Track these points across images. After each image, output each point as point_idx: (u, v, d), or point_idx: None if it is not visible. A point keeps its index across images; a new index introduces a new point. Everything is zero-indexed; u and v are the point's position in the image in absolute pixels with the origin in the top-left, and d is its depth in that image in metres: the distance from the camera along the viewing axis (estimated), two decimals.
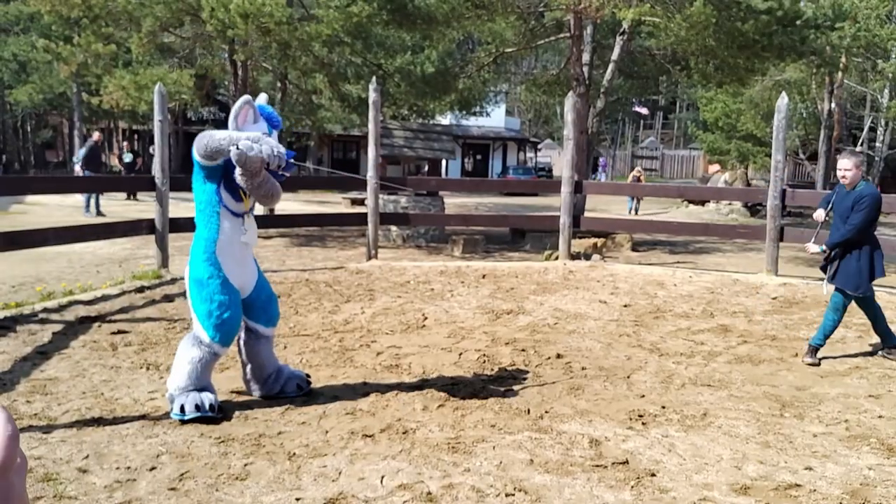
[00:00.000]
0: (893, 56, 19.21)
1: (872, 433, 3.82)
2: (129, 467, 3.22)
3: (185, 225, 9.17)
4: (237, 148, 3.64)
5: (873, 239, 5.20)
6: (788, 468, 3.35)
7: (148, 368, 4.71)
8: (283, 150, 3.76)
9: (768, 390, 4.54)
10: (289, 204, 18.75)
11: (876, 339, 5.52)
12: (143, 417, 3.84)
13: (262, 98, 4.16)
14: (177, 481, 3.09)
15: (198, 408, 3.72)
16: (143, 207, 18.67)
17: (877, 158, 22.49)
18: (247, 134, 3.74)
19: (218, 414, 3.81)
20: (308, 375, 4.39)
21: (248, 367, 4.17)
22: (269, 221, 12.35)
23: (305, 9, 12.32)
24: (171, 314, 6.30)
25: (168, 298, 6.93)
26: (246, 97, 3.92)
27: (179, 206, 10.92)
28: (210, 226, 3.86)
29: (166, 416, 3.82)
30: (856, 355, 5.40)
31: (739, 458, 3.45)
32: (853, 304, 5.32)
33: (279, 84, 17.04)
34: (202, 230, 3.89)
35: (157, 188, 8.06)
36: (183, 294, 6.98)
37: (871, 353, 5.43)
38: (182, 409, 3.72)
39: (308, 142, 26.23)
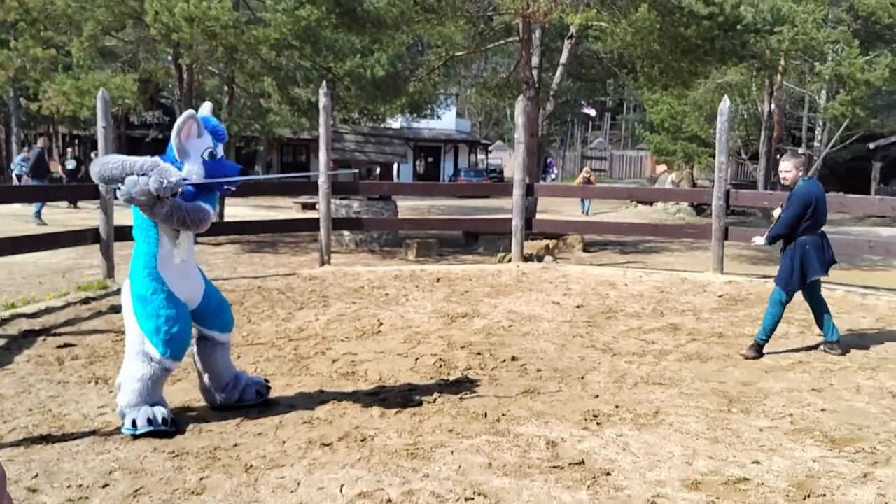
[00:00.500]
0: (830, 58, 19.91)
1: (816, 426, 3.96)
2: (80, 485, 3.15)
3: (132, 234, 8.98)
4: (120, 187, 3.57)
5: (814, 238, 5.40)
6: (737, 462, 3.46)
7: (97, 382, 4.60)
8: (174, 178, 3.62)
9: (716, 387, 4.67)
10: (238, 209, 18.49)
11: (817, 336, 5.73)
12: (93, 433, 3.75)
13: (206, 109, 4.06)
14: (131, 498, 3.03)
15: (150, 422, 3.65)
16: (86, 215, 18.16)
17: (815, 157, 23.27)
18: (140, 160, 3.64)
19: (171, 427, 3.74)
20: (267, 381, 4.34)
21: (206, 377, 4.10)
22: (218, 228, 12.15)
23: (252, 12, 12.17)
24: (119, 326, 6.13)
25: (115, 310, 6.75)
26: (189, 111, 3.82)
27: (124, 214, 10.69)
28: (149, 240, 3.78)
29: (118, 431, 3.74)
30: (798, 350, 5.59)
31: (690, 455, 3.55)
32: (800, 298, 5.53)
33: (226, 88, 16.78)
34: (141, 245, 3.81)
35: (102, 196, 7.87)
36: None
37: (813, 348, 5.63)
38: (134, 423, 3.65)
39: (257, 146, 25.90)
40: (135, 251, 3.85)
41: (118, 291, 7.49)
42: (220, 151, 3.91)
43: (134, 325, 3.78)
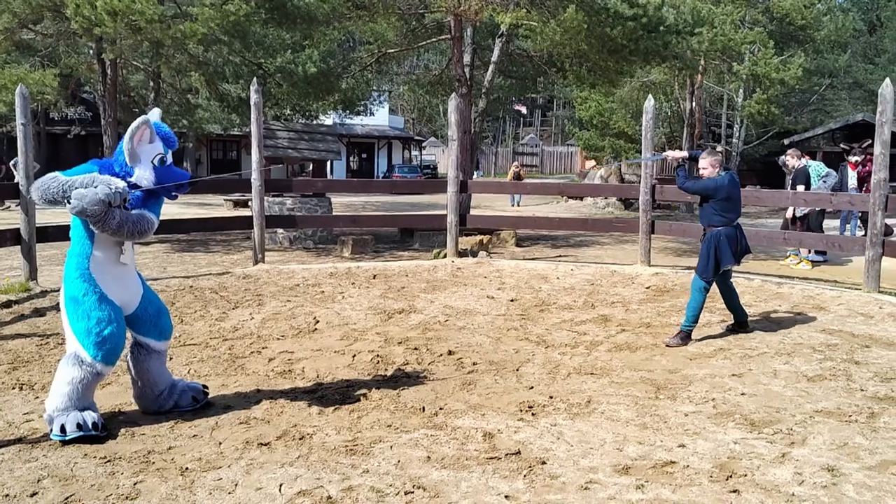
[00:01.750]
0: (746, 59, 20.74)
1: (736, 410, 4.17)
2: (6, 495, 3.05)
3: (55, 234, 8.65)
4: (69, 202, 3.53)
5: (728, 230, 5.72)
6: (664, 447, 3.61)
7: (21, 388, 4.45)
8: (121, 184, 3.63)
9: (645, 375, 4.85)
10: (167, 207, 17.98)
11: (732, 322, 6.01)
12: (19, 441, 3.63)
13: (156, 115, 4.02)
14: None
15: (80, 426, 3.56)
16: (4, 215, 17.38)
17: (734, 153, 24.24)
18: (78, 178, 3.62)
19: (102, 432, 3.65)
20: (205, 387, 4.27)
21: (139, 385, 4.02)
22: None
23: (178, 6, 11.85)
24: (44, 329, 5.95)
25: (39, 313, 6.53)
26: (144, 117, 3.81)
27: (45, 214, 10.28)
28: (83, 242, 3.73)
29: (46, 437, 3.64)
30: (719, 337, 5.85)
31: (621, 441, 3.69)
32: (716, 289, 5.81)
33: (151, 83, 16.33)
34: (75, 246, 3.76)
35: (22, 195, 7.57)
36: (55, 307, 6.63)
37: (732, 334, 5.90)
38: (63, 429, 3.56)
39: (187, 143, 25.24)
40: (69, 252, 3.79)
41: (42, 294, 7.25)
42: (169, 158, 3.90)
43: (67, 327, 3.72)
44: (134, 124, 3.76)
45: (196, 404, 4.10)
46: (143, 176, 3.76)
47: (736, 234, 5.76)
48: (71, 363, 3.66)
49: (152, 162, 3.79)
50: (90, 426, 3.59)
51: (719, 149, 20.94)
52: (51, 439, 3.60)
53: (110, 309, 3.73)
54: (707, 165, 5.82)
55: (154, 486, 3.15)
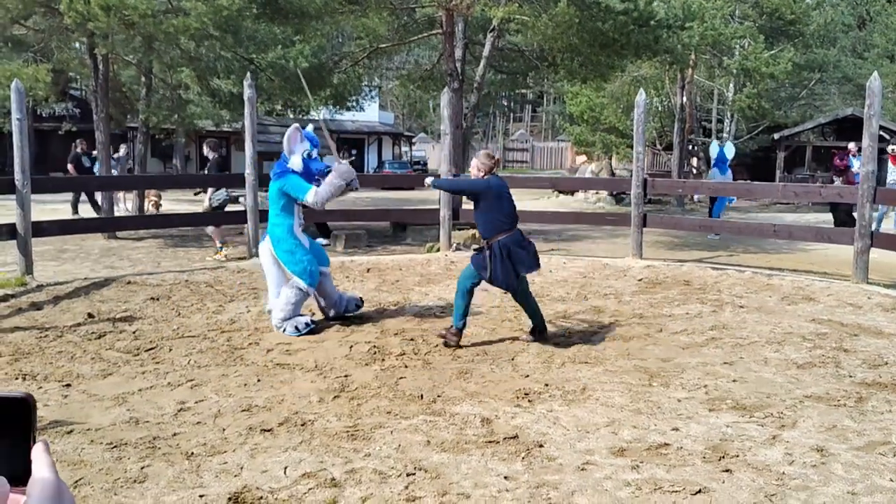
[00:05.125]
0: (737, 53, 20.89)
1: (728, 395, 4.27)
2: None
3: (50, 229, 8.68)
4: (347, 185, 5.85)
5: (512, 237, 5.28)
6: (658, 430, 3.70)
7: (24, 379, 4.50)
8: (353, 174, 5.88)
9: (638, 363, 4.94)
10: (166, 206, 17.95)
11: (696, 317, 6.10)
12: None
13: (309, 127, 6.05)
14: (71, 488, 3.01)
15: (306, 325, 5.65)
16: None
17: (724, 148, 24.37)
18: (328, 179, 5.77)
19: (314, 325, 5.73)
20: (361, 298, 6.27)
21: (322, 299, 6.05)
22: (140, 223, 11.85)
23: (170, 1, 11.83)
24: (42, 322, 5.99)
25: (36, 307, 6.56)
26: (295, 125, 5.90)
27: (36, 209, 10.27)
28: (287, 216, 5.85)
29: (52, 425, 3.69)
30: (712, 328, 5.94)
31: (616, 425, 3.78)
32: (711, 281, 5.86)
33: (143, 79, 16.27)
34: (282, 220, 5.83)
35: (18, 190, 7.59)
36: (52, 301, 6.67)
37: (724, 326, 5.99)
38: (296, 327, 5.58)
39: (179, 138, 25.18)
40: (275, 224, 5.84)
41: (38, 288, 7.28)
42: (315, 153, 5.91)
43: (281, 269, 5.83)
44: (289, 131, 5.80)
45: (357, 309, 6.15)
46: (296, 163, 5.78)
47: (521, 239, 5.34)
48: (292, 290, 5.67)
49: (301, 155, 5.79)
50: (307, 324, 5.65)
51: (698, 146, 21.05)
52: (289, 335, 5.56)
53: (310, 254, 5.83)
54: (473, 168, 5.44)
55: (161, 469, 3.21)
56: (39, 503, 0.64)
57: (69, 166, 15.53)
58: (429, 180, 6.11)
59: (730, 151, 12.76)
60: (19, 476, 0.67)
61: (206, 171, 11.02)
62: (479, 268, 5.35)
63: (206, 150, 10.96)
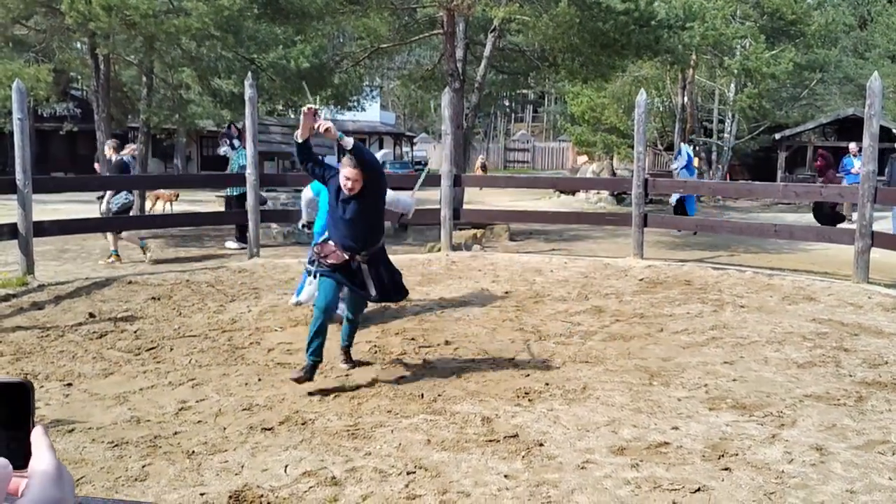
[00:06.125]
0: (738, 53, 20.88)
1: (728, 394, 4.27)
2: None
3: (51, 229, 8.68)
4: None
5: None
6: (658, 429, 3.71)
7: (25, 378, 4.50)
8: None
9: (638, 363, 4.95)
10: (159, 203, 17.95)
11: (696, 316, 6.10)
12: None
13: (380, 154, 6.31)
14: None
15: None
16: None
17: (725, 148, 24.39)
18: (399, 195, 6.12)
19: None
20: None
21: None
22: (141, 222, 11.86)
23: (171, 2, 11.86)
24: (43, 322, 6.00)
25: (37, 306, 6.57)
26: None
27: (37, 209, 10.28)
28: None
29: (53, 424, 3.70)
30: (713, 328, 5.95)
31: (616, 424, 3.78)
32: (716, 282, 5.86)
33: (144, 79, 16.29)
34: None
35: (19, 190, 7.60)
36: (53, 301, 6.69)
37: (725, 326, 5.99)
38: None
39: (180, 138, 25.20)
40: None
41: (40, 287, 7.29)
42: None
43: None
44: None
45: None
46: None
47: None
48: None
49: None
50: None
51: (697, 145, 21.07)
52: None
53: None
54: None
55: (162, 468, 3.22)
56: (40, 485, 0.66)
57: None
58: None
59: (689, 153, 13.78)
60: (19, 460, 0.68)
61: (107, 174, 10.01)
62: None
63: (107, 150, 10.06)
